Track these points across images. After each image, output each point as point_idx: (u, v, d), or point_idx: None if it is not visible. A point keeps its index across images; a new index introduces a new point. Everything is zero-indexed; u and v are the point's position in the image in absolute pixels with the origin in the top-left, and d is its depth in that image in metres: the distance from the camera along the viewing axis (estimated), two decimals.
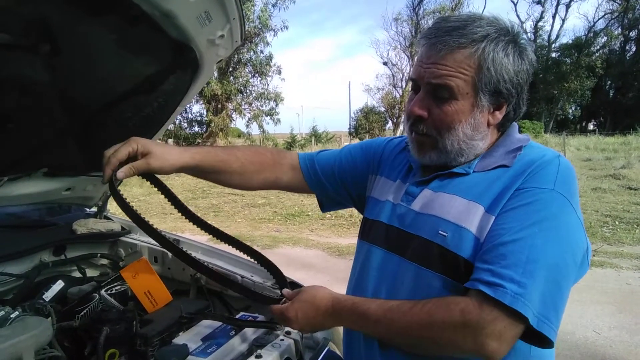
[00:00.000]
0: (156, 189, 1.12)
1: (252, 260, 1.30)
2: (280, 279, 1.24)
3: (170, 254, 1.83)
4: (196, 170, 1.11)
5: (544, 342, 0.78)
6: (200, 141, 16.38)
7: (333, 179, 1.20)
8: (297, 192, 1.27)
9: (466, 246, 0.85)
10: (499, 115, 0.93)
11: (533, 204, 0.82)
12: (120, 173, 0.96)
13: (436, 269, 0.88)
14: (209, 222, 1.20)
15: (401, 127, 31.39)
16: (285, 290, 1.06)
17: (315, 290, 0.98)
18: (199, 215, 1.19)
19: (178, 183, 12.38)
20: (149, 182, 1.10)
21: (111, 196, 1.02)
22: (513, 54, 0.87)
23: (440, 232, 0.88)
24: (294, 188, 1.25)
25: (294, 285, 1.52)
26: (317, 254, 6.04)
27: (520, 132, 0.99)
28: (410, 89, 0.98)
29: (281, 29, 15.59)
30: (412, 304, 0.84)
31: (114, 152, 0.97)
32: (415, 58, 0.96)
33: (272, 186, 1.22)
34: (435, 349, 0.83)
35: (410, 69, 27.29)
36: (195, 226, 1.19)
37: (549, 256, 0.78)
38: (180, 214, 1.16)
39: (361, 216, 1.17)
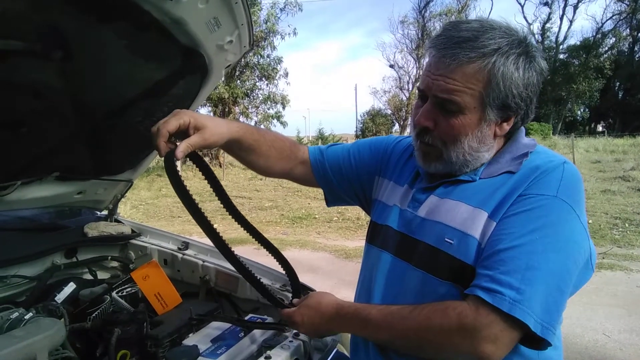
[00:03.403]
0: (201, 173, 1.04)
1: (276, 260, 1.30)
2: (296, 286, 1.27)
3: (180, 256, 1.85)
4: (236, 145, 1.06)
5: (542, 345, 0.78)
6: None
7: (340, 175, 1.19)
8: (307, 185, 1.27)
9: (472, 253, 0.85)
10: (507, 127, 0.91)
11: (534, 210, 0.82)
12: (179, 153, 0.88)
13: (443, 276, 0.88)
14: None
15: (408, 130, 31.24)
16: (296, 300, 1.10)
17: (321, 297, 1.02)
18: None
19: None
20: (192, 162, 1.02)
21: (168, 177, 0.90)
22: (524, 67, 0.85)
23: (446, 239, 0.89)
24: (304, 181, 1.25)
25: (304, 288, 1.54)
26: (324, 256, 6.05)
27: (527, 134, 0.99)
28: (417, 96, 0.97)
29: (289, 34, 15.62)
30: (412, 308, 0.85)
31: (163, 122, 0.90)
32: (423, 62, 0.96)
33: (286, 176, 1.22)
34: (433, 352, 0.84)
35: (416, 71, 27.06)
36: (234, 220, 1.12)
37: (550, 263, 0.78)
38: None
39: (368, 218, 1.18)
